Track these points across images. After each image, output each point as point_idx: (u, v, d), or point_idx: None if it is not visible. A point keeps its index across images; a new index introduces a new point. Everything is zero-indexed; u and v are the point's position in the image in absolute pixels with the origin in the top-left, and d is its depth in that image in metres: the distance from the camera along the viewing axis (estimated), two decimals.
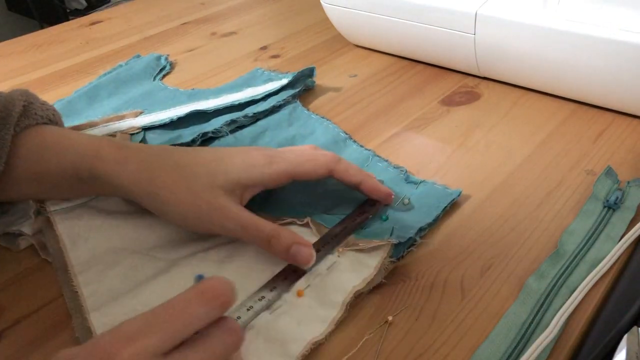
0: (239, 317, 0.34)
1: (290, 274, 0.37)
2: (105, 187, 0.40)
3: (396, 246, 0.39)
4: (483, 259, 0.39)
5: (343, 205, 0.43)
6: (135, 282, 0.37)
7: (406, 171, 0.46)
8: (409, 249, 0.39)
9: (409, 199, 0.43)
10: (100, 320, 0.35)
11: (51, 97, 0.62)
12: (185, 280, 0.37)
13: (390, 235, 0.39)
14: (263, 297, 0.35)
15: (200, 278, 0.28)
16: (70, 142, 0.40)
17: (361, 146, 0.50)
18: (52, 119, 0.43)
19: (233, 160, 0.39)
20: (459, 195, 0.43)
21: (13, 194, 0.41)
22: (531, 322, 0.33)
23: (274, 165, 0.40)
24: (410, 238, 0.39)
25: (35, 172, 0.40)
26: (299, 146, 0.45)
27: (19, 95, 0.41)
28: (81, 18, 0.86)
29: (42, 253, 0.41)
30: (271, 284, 0.36)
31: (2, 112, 0.39)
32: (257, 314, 0.34)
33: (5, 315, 0.37)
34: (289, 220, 0.41)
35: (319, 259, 0.37)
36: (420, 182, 0.45)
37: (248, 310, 0.34)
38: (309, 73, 0.60)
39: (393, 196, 0.42)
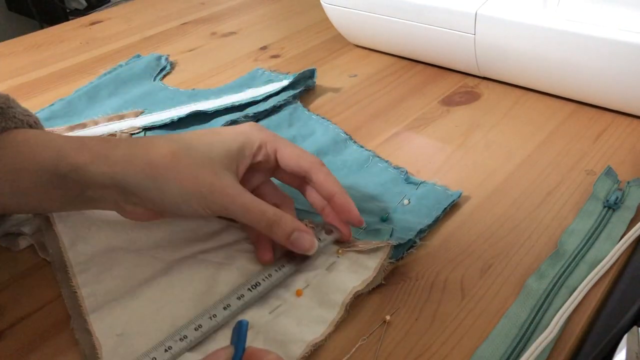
0: (214, 316, 0.34)
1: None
2: (89, 180, 0.35)
3: (396, 247, 0.39)
4: (483, 259, 0.39)
5: None
6: (134, 283, 0.37)
7: (406, 172, 0.46)
8: (409, 251, 0.39)
9: (409, 200, 0.43)
10: (100, 323, 0.35)
11: (51, 97, 0.62)
12: (184, 281, 0.37)
13: (390, 236, 0.39)
14: (242, 296, 0.35)
15: (243, 325, 0.29)
16: (50, 138, 0.36)
17: (361, 147, 0.50)
18: (32, 126, 0.39)
19: (225, 129, 0.39)
20: (459, 197, 0.43)
21: None
22: (531, 322, 0.33)
23: (264, 133, 0.39)
24: (410, 240, 0.39)
25: (12, 169, 0.35)
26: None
27: None
28: (81, 18, 0.86)
29: (41, 253, 0.41)
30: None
31: None
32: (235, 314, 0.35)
33: (5, 315, 0.37)
34: None
35: (257, 296, 0.36)
36: (420, 183, 0.45)
37: (225, 309, 0.34)
38: (310, 74, 0.60)
39: (363, 223, 0.39)
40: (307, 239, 0.36)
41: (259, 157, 0.39)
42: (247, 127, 0.39)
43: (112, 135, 0.53)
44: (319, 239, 0.38)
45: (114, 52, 0.73)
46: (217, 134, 0.38)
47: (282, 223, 0.36)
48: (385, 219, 0.41)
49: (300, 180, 0.40)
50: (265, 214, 0.35)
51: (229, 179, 0.36)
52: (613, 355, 0.31)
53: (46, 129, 0.53)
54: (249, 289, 0.36)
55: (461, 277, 0.37)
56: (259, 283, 0.36)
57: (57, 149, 0.35)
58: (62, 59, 0.72)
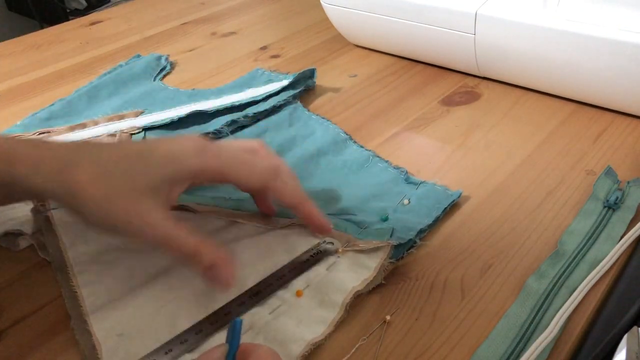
0: (215, 321, 0.34)
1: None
2: (23, 191, 0.35)
3: (396, 247, 0.39)
4: (483, 259, 0.39)
5: (346, 206, 0.43)
6: (134, 283, 0.37)
7: (406, 172, 0.46)
8: (409, 251, 0.39)
9: (409, 200, 0.43)
10: (100, 324, 0.35)
11: (51, 97, 0.62)
12: (184, 281, 0.37)
13: (390, 236, 0.39)
14: (243, 303, 0.35)
15: (237, 323, 0.29)
16: None
17: (361, 147, 0.50)
18: None
19: (157, 152, 0.35)
20: (459, 197, 0.43)
21: None
22: (531, 322, 0.33)
23: (204, 157, 0.35)
24: (410, 240, 0.39)
25: None
26: (244, 142, 0.40)
27: None
28: (81, 18, 0.86)
29: (41, 253, 0.41)
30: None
31: None
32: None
33: (5, 315, 0.37)
34: (289, 222, 0.41)
35: (258, 300, 0.35)
36: (420, 183, 0.45)
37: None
38: (310, 74, 0.60)
39: (331, 229, 0.38)
40: (222, 274, 0.34)
41: (198, 182, 0.37)
42: (188, 150, 0.35)
43: (112, 135, 0.52)
44: (320, 252, 0.38)
45: (114, 52, 0.73)
46: (146, 157, 0.35)
47: (202, 256, 0.34)
48: (385, 219, 0.41)
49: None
50: (184, 246, 0.33)
51: (147, 205, 0.34)
52: (613, 355, 0.31)
53: (45, 130, 0.54)
54: (250, 296, 0.36)
55: (461, 277, 0.37)
56: (260, 291, 0.36)
57: None
58: (62, 59, 0.72)
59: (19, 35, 0.79)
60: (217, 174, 0.36)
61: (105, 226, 0.34)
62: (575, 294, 0.35)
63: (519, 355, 0.32)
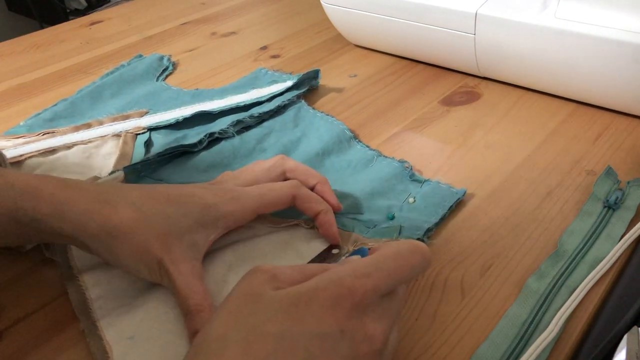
0: None
1: None
2: (48, 231, 0.35)
3: None
4: (483, 259, 0.39)
5: (352, 205, 0.43)
6: (143, 285, 0.37)
7: (411, 168, 0.46)
8: None
9: (414, 198, 0.43)
10: (111, 327, 0.34)
11: (51, 97, 0.62)
12: None
13: (399, 234, 0.39)
14: None
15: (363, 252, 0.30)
16: (8, 185, 0.35)
17: (366, 146, 0.50)
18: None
19: (194, 198, 0.37)
20: (464, 195, 0.43)
21: None
22: (531, 322, 0.33)
23: (235, 202, 0.37)
24: (419, 239, 0.39)
25: None
26: (261, 163, 0.42)
27: None
28: (81, 18, 0.86)
29: (46, 252, 0.41)
30: None
31: None
32: None
33: (5, 315, 0.37)
34: (295, 222, 0.41)
35: None
36: (424, 181, 0.45)
37: None
38: (314, 75, 0.60)
39: (338, 242, 0.39)
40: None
41: (237, 225, 0.38)
42: (219, 198, 0.37)
43: (117, 135, 0.52)
44: (342, 255, 0.39)
45: (115, 52, 0.73)
46: (183, 202, 0.36)
47: (194, 319, 0.34)
48: (392, 218, 0.41)
49: None
50: (185, 302, 0.34)
51: (177, 254, 0.35)
52: (613, 355, 0.31)
53: (49, 130, 0.54)
54: None
55: (461, 277, 0.37)
56: None
57: (14, 199, 0.34)
58: (62, 59, 0.72)
59: (19, 35, 0.79)
60: (251, 213, 0.38)
61: (136, 270, 0.35)
62: (575, 294, 0.35)
63: (519, 355, 0.32)
